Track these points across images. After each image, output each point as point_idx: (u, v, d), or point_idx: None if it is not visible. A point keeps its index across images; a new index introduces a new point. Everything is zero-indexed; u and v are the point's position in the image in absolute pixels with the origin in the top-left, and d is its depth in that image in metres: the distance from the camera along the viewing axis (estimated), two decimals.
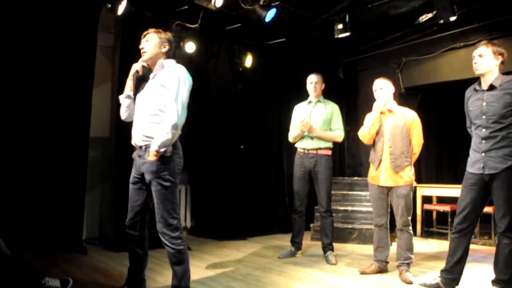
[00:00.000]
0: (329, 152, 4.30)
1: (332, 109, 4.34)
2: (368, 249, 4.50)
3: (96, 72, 4.63)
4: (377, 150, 3.64)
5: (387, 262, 3.70)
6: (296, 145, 4.41)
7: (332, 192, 5.44)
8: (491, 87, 2.87)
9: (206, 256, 4.39)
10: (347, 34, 5.12)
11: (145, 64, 2.84)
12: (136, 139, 2.75)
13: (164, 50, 2.82)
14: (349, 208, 5.43)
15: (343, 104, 6.74)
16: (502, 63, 2.89)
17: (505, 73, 2.96)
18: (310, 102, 4.41)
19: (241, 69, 5.92)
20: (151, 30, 2.84)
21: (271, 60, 6.18)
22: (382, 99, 3.58)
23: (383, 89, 3.60)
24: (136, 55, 2.93)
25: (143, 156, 2.69)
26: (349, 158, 7.03)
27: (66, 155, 4.31)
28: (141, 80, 2.88)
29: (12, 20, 3.97)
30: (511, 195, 2.72)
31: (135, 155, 2.81)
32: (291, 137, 4.42)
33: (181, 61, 3.10)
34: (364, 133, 3.67)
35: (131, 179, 2.83)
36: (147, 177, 2.66)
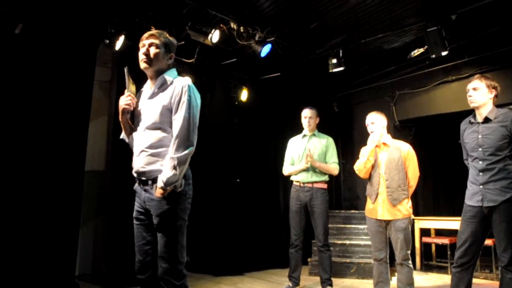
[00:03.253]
0: (325, 186, 4.28)
1: (327, 143, 4.36)
2: (368, 284, 4.41)
3: (92, 106, 4.65)
4: (373, 184, 3.64)
5: None
6: (291, 178, 4.39)
7: (329, 225, 5.39)
8: (486, 120, 2.91)
9: None
10: (341, 68, 5.22)
11: (129, 99, 2.38)
12: (139, 172, 2.35)
13: (169, 62, 2.43)
14: (347, 242, 5.35)
15: (338, 137, 6.80)
16: (495, 96, 2.94)
17: (498, 105, 3.01)
18: (304, 135, 4.43)
19: (236, 103, 5.98)
20: (155, 32, 2.40)
21: (266, 94, 6.25)
22: (376, 133, 3.61)
23: (374, 123, 3.65)
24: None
25: (149, 191, 2.30)
26: (346, 191, 7.00)
27: (60, 189, 4.25)
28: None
29: (12, 55, 4.01)
30: (511, 227, 2.69)
31: (138, 187, 2.41)
32: (287, 171, 4.41)
33: None
34: (360, 167, 3.68)
35: (135, 214, 2.43)
36: (154, 215, 2.30)
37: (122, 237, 4.24)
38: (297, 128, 4.63)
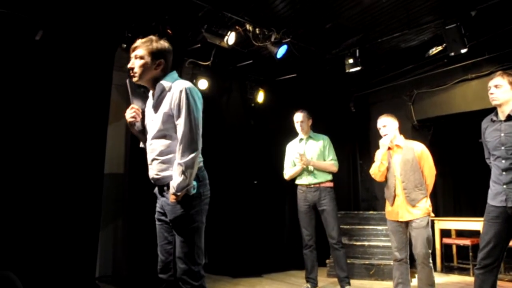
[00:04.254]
0: (331, 184, 4.28)
1: (323, 142, 4.36)
2: (388, 285, 4.36)
3: (110, 109, 4.71)
4: (390, 187, 3.62)
5: None
6: (296, 182, 4.39)
7: (347, 226, 5.35)
8: (509, 118, 2.84)
9: None
10: (358, 68, 5.18)
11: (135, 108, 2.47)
12: (154, 179, 2.41)
13: (159, 68, 2.35)
14: (366, 243, 5.29)
15: (355, 137, 6.73)
16: None
17: None
18: (301, 139, 4.43)
19: (253, 104, 5.99)
20: (140, 42, 2.36)
21: (283, 96, 6.24)
22: (388, 135, 3.60)
23: (386, 126, 3.64)
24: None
25: (165, 195, 2.34)
26: (363, 191, 6.93)
27: (80, 191, 4.31)
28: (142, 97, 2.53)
29: (33, 61, 4.09)
30: None
31: (157, 191, 2.46)
32: (287, 175, 4.42)
33: None
34: (375, 171, 3.69)
35: (156, 215, 2.48)
36: (169, 219, 2.34)
37: (142, 239, 4.28)
38: (314, 129, 4.61)
